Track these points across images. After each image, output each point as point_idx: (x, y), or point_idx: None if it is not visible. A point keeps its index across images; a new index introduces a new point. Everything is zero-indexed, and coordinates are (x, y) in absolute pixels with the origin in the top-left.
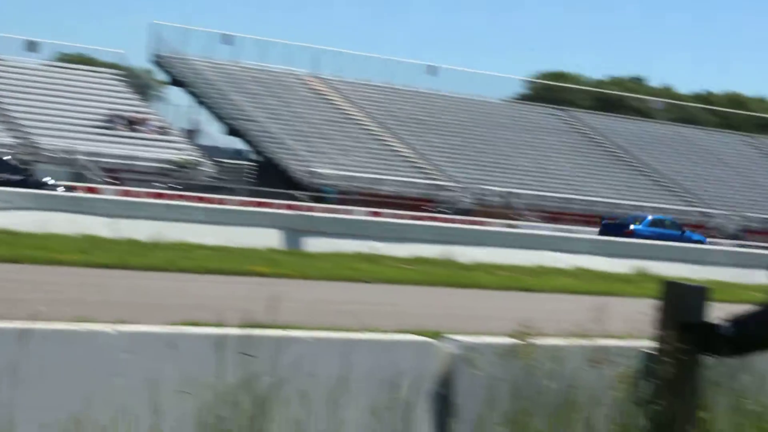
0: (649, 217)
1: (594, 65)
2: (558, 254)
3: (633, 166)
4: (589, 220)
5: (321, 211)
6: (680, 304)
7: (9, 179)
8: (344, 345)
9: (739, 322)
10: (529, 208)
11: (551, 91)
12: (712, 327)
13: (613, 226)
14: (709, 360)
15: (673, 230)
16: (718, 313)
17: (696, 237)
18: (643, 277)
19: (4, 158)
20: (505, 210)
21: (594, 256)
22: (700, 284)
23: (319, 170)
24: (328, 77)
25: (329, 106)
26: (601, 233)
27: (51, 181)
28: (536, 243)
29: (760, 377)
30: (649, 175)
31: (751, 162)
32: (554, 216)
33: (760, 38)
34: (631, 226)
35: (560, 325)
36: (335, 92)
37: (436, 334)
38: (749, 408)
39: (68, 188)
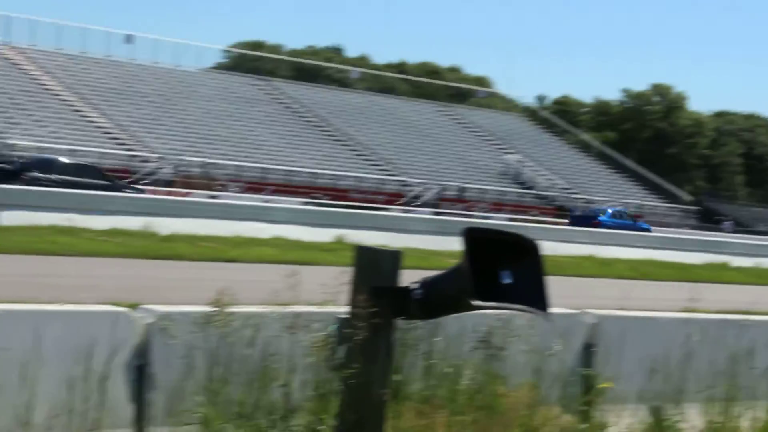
0: (610, 210)
1: (293, 35)
2: (259, 224)
3: (332, 135)
4: (289, 190)
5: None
6: (373, 269)
7: (96, 184)
8: (36, 317)
9: (428, 285)
10: (230, 179)
11: (251, 61)
12: (404, 291)
13: (582, 217)
14: (402, 323)
15: (628, 220)
16: (412, 278)
17: (644, 226)
18: (342, 245)
19: (90, 164)
20: (206, 181)
21: (295, 226)
22: (391, 249)
23: (13, 142)
24: (22, 46)
25: (23, 75)
26: (570, 224)
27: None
28: (237, 213)
29: (452, 339)
30: (349, 145)
31: (446, 131)
32: (255, 186)
33: (450, 8)
34: (599, 217)
35: (258, 294)
36: (29, 61)
37: (132, 305)
38: (442, 370)
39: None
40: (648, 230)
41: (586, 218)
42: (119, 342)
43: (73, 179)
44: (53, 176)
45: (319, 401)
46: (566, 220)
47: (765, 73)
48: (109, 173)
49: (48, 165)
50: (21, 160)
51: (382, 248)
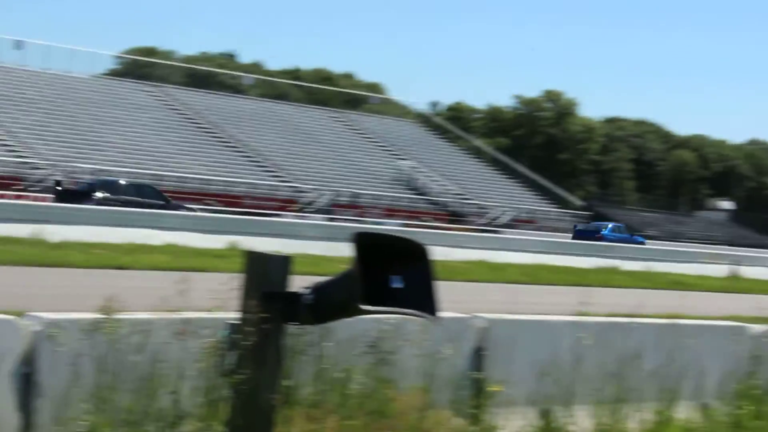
0: (610, 225)
1: (185, 41)
2: (151, 231)
3: (225, 142)
4: (182, 197)
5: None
6: (263, 274)
7: (152, 204)
8: None
9: (317, 290)
10: None
11: (143, 67)
12: (294, 296)
13: (586, 231)
14: (292, 329)
15: (625, 234)
16: (303, 284)
17: (639, 239)
18: (235, 251)
19: (146, 184)
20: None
21: (188, 233)
22: (282, 255)
23: None
24: None
25: None
26: (574, 238)
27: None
28: (129, 220)
29: (343, 344)
30: (242, 151)
31: (340, 137)
32: None
33: (344, 14)
34: (601, 231)
35: (149, 300)
36: None
37: (19, 313)
38: (332, 374)
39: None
40: (642, 243)
41: (589, 232)
42: (5, 350)
43: (135, 199)
44: (120, 197)
45: (209, 407)
46: (465, 226)
47: (654, 79)
48: (165, 193)
49: (111, 186)
50: (86, 182)
51: (273, 254)
